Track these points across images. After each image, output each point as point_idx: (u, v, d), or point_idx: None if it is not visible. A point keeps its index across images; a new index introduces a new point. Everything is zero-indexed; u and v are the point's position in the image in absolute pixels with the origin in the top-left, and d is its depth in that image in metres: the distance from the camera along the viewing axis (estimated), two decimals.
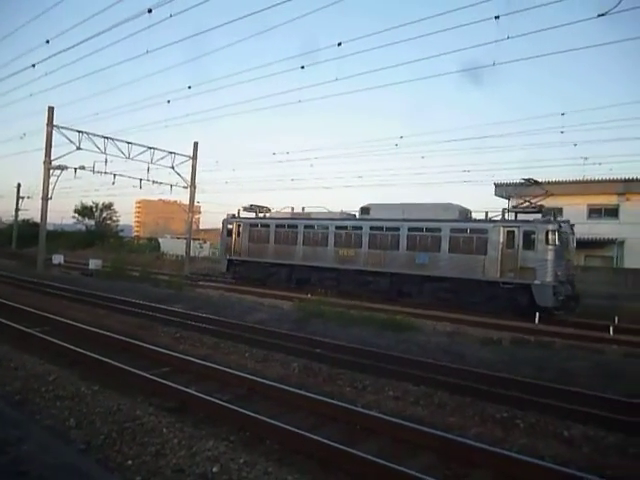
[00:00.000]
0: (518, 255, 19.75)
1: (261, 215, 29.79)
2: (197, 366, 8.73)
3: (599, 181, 31.26)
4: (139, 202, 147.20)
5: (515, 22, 12.39)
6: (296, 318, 14.56)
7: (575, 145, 26.11)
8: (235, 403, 6.75)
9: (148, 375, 7.79)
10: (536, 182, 22.73)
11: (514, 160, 77.79)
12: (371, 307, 17.92)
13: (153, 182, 32.84)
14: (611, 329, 16.15)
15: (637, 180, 30.47)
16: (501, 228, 20.38)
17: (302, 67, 17.81)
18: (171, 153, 32.80)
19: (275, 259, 27.20)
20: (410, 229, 22.65)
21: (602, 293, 22.94)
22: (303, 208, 28.08)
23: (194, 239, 45.75)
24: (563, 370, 10.14)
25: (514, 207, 22.37)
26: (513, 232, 20.02)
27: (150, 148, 31.60)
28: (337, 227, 25.17)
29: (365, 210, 25.15)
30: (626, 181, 30.78)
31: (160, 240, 64.92)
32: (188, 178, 34.50)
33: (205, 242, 61.52)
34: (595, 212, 32.66)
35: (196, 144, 34.89)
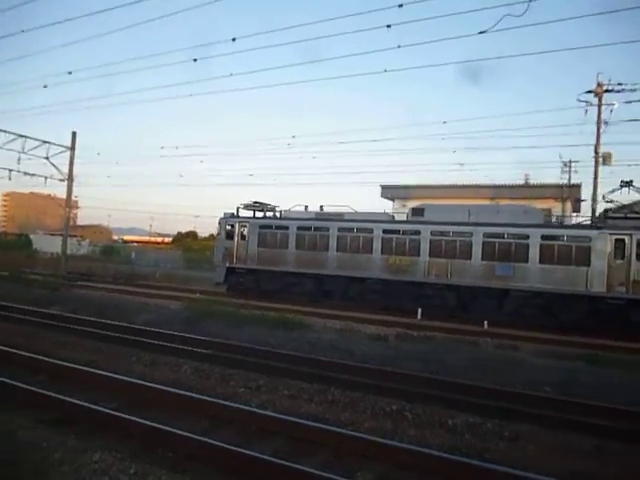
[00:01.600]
0: (631, 267, 17.62)
1: (270, 214, 25.41)
2: (79, 373, 8.15)
3: (473, 186, 33.81)
4: (7, 195, 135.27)
5: (407, 32, 12.98)
6: (186, 318, 14.14)
7: (454, 152, 27.91)
8: (122, 411, 6.39)
9: (23, 385, 7.13)
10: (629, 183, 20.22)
11: (403, 163, 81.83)
12: (260, 306, 17.89)
13: (25, 174, 30.21)
14: (486, 323, 17.49)
15: (505, 186, 33.35)
16: (608, 235, 18.05)
17: (195, 60, 17.21)
18: (45, 142, 30.36)
19: (297, 268, 22.83)
20: (486, 235, 19.62)
21: None
22: (321, 207, 24.16)
23: (71, 236, 42.71)
24: (443, 362, 10.86)
25: (608, 210, 19.89)
26: (623, 240, 17.89)
27: (21, 136, 29.02)
28: (385, 231, 21.44)
29: (418, 211, 21.70)
30: (496, 187, 33.55)
31: (32, 236, 59.93)
32: (65, 170, 32.15)
33: (84, 239, 57.77)
34: None
35: (74, 134, 32.61)
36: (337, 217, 22.99)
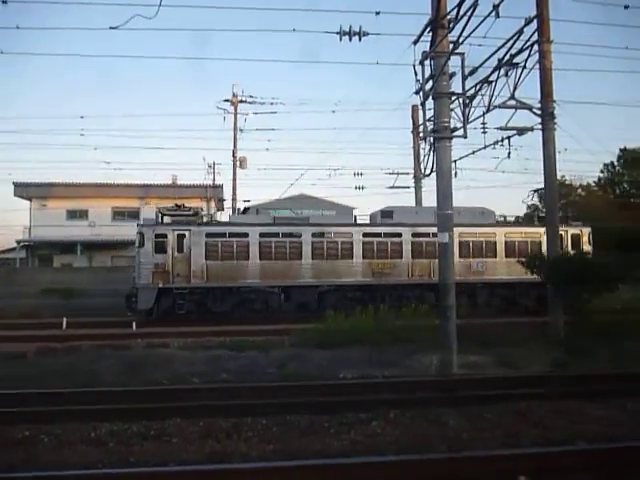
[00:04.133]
0: None
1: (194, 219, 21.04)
2: None
3: (122, 185, 33.14)
4: None
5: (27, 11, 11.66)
6: None
7: (95, 149, 26.78)
8: None
9: None
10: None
11: (35, 159, 73.29)
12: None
13: None
14: (134, 324, 17.36)
15: (154, 186, 33.77)
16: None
17: None
18: None
19: (262, 281, 20.24)
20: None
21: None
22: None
23: None
24: (92, 372, 10.30)
25: None
26: (561, 235, 20.93)
27: None
28: (365, 234, 21.10)
29: (387, 214, 21.90)
30: (145, 186, 33.66)
31: None
32: None
33: None
34: (119, 214, 34.40)
35: None
36: (304, 222, 21.55)
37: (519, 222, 24.26)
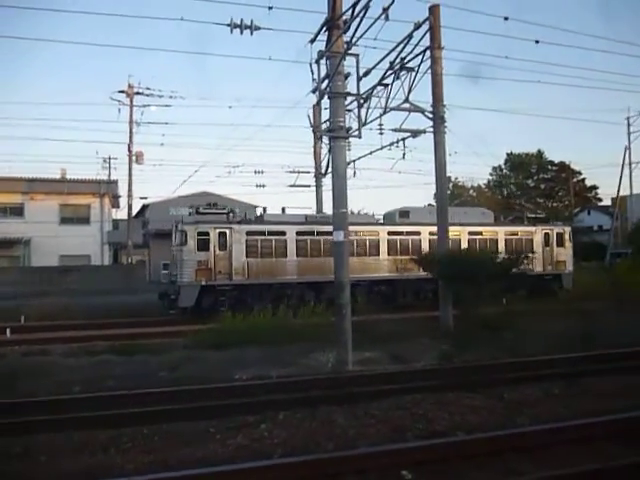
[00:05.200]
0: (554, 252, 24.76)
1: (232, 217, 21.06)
2: None
3: (3, 179, 30.60)
4: None
5: None
6: None
7: None
8: None
9: None
10: None
11: None
12: None
13: None
14: (8, 331, 15.98)
15: (40, 180, 31.46)
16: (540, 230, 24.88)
17: None
18: None
19: (298, 277, 20.97)
20: None
21: (11, 293, 22.63)
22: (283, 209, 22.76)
23: None
24: None
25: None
26: (548, 234, 24.82)
27: None
28: (389, 233, 22.68)
29: (404, 214, 23.49)
30: (30, 180, 31.27)
31: None
32: None
33: None
34: (0, 211, 31.71)
35: None
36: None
37: (510, 221, 26.81)
